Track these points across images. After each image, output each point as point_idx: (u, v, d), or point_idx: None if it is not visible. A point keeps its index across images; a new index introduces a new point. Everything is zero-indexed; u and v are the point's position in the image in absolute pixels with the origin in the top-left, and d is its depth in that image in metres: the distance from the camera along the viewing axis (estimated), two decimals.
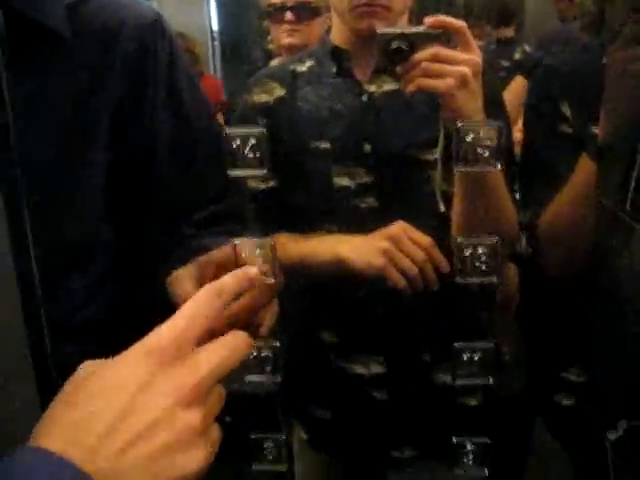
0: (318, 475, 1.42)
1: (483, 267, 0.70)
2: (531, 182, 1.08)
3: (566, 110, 1.12)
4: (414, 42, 0.91)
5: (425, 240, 1.06)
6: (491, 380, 0.74)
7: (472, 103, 0.95)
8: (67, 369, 0.54)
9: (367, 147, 1.17)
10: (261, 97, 1.24)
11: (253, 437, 0.79)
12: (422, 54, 0.91)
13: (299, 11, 1.83)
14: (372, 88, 1.18)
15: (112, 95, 0.93)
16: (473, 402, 1.25)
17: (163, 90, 0.97)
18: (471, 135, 0.68)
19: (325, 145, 1.19)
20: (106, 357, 0.52)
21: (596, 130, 1.01)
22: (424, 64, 0.91)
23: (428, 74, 0.92)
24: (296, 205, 1.25)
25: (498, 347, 1.67)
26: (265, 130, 0.71)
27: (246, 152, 0.71)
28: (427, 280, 1.05)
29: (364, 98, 1.19)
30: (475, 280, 0.71)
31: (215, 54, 3.82)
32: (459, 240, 0.69)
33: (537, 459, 1.41)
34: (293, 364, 1.38)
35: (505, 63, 2.49)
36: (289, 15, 1.83)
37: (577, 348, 1.20)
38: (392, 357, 1.23)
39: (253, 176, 0.71)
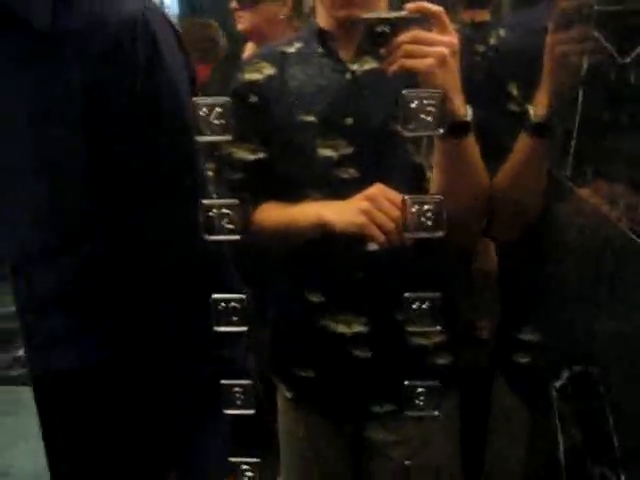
0: (301, 430, 1.51)
1: (429, 222, 0.78)
2: (484, 154, 1.16)
3: (513, 90, 1.21)
4: (396, 26, 1.00)
5: (400, 199, 1.14)
6: (438, 327, 0.81)
7: (450, 81, 1.04)
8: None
9: (349, 120, 1.26)
10: (252, 75, 1.34)
11: (224, 383, 0.86)
12: (403, 37, 1.00)
13: None
14: (355, 67, 1.27)
15: (86, 86, 0.95)
16: (442, 361, 1.34)
17: (140, 90, 0.98)
18: (415, 102, 0.75)
19: (311, 118, 1.28)
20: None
21: (531, 109, 1.10)
22: (405, 46, 1.00)
23: (409, 55, 1.01)
24: (283, 175, 1.34)
25: (473, 323, 1.77)
26: (229, 100, 0.78)
27: (212, 119, 0.78)
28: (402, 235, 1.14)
29: (347, 76, 1.28)
30: (423, 234, 0.78)
31: None
32: (406, 198, 0.76)
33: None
34: (278, 325, 1.47)
35: (480, 48, 2.54)
36: (234, 3, 1.91)
37: (530, 308, 1.28)
38: (373, 317, 1.31)
39: (217, 141, 0.77)
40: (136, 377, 1.08)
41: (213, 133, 0.78)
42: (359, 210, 1.16)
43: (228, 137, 0.78)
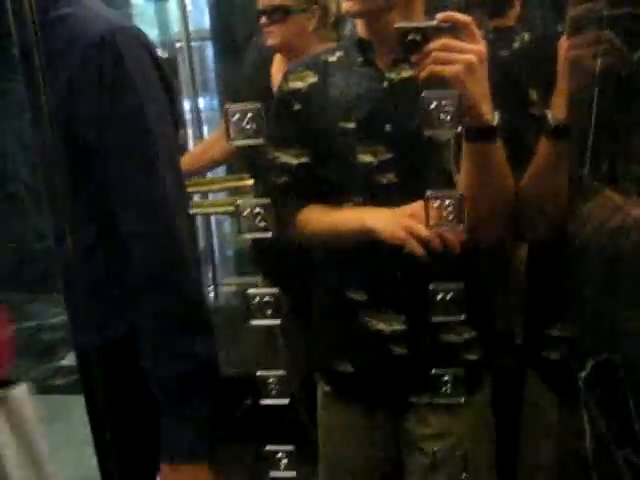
0: (339, 423, 1.55)
1: (450, 217, 0.82)
2: (510, 158, 1.19)
3: (533, 94, 1.25)
4: (427, 34, 1.05)
5: None
6: (462, 317, 0.86)
7: (478, 88, 1.09)
8: None
9: (387, 127, 1.32)
10: (296, 84, 1.40)
11: (258, 374, 0.91)
12: (433, 44, 1.06)
13: (270, 14, 1.95)
14: (392, 75, 1.33)
15: (63, 100, 1.00)
16: (472, 357, 1.38)
17: (107, 110, 1.02)
18: (434, 102, 0.80)
19: (351, 125, 1.34)
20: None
21: (548, 113, 1.14)
22: (435, 53, 1.06)
23: (438, 62, 1.06)
24: (325, 179, 1.40)
25: (511, 329, 1.79)
26: (260, 106, 0.83)
27: (244, 125, 0.83)
28: (446, 245, 1.19)
29: (385, 84, 1.33)
30: (444, 229, 0.83)
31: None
32: (428, 194, 0.81)
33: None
34: (319, 322, 1.53)
35: (504, 52, 2.57)
36: (263, 19, 1.96)
37: (558, 306, 1.31)
38: (410, 316, 1.37)
39: (251, 145, 0.83)
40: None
41: (246, 137, 0.84)
42: (401, 224, 1.21)
43: (260, 141, 0.84)
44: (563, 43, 1.09)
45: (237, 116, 0.83)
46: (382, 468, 1.59)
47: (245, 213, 0.85)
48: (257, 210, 0.84)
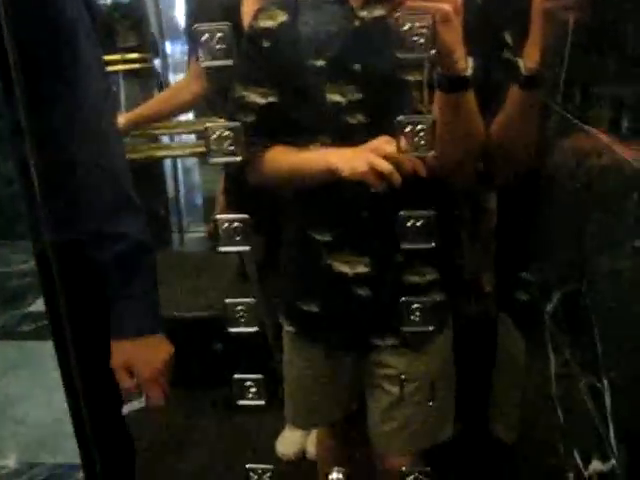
0: (302, 362, 1.56)
1: (422, 142, 0.81)
2: (482, 100, 1.19)
3: (508, 39, 1.24)
4: None
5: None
6: (432, 244, 0.86)
7: (453, 38, 1.07)
8: None
9: (357, 66, 1.29)
10: (266, 22, 1.36)
11: (228, 302, 0.91)
12: None
13: None
14: (363, 13, 1.29)
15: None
16: (436, 298, 1.39)
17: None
18: (408, 24, 0.78)
19: (320, 63, 1.31)
20: None
21: (520, 62, 1.13)
22: (410, 2, 1.02)
23: (414, 9, 1.02)
24: (293, 119, 1.37)
25: (478, 279, 1.81)
26: (229, 24, 0.81)
27: (213, 45, 0.81)
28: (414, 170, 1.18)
29: (356, 23, 1.30)
30: (415, 153, 0.82)
31: None
32: (400, 118, 0.80)
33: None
34: (287, 264, 1.52)
35: None
36: None
37: (528, 247, 1.33)
38: (374, 258, 1.36)
39: (220, 66, 0.81)
40: None
41: (215, 58, 0.82)
42: (364, 160, 1.20)
43: (229, 62, 0.82)
44: None
45: (206, 36, 0.81)
46: (345, 407, 1.61)
47: (214, 137, 0.83)
48: (226, 133, 0.83)
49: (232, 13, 2.11)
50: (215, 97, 2.31)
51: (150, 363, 1.23)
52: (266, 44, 1.36)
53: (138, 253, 1.19)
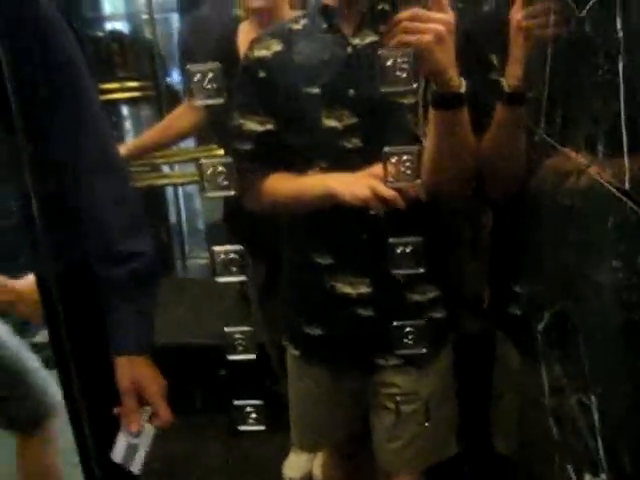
0: (308, 385, 1.59)
1: (408, 172, 0.85)
2: (473, 120, 1.22)
3: (495, 60, 1.28)
4: (396, 4, 1.06)
5: None
6: (421, 270, 0.89)
7: (447, 56, 1.11)
8: None
9: (351, 92, 1.33)
10: (261, 52, 1.41)
11: (227, 330, 0.94)
12: (403, 14, 1.07)
13: None
14: (356, 41, 1.34)
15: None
16: (438, 315, 1.42)
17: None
18: (390, 60, 0.82)
19: (315, 90, 1.36)
20: None
21: (503, 80, 1.18)
22: (404, 23, 1.07)
23: (408, 31, 1.07)
24: (290, 146, 1.42)
25: (479, 295, 1.84)
26: (220, 65, 0.85)
27: (205, 85, 0.85)
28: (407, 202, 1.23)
29: (349, 50, 1.35)
30: (401, 184, 0.86)
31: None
32: (386, 150, 0.83)
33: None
34: (289, 288, 1.56)
35: (469, 19, 2.60)
36: None
37: (520, 263, 1.35)
38: (375, 278, 1.40)
39: (213, 104, 0.85)
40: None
41: (207, 97, 0.86)
42: (365, 185, 1.24)
43: (221, 100, 0.85)
44: (515, 12, 1.12)
45: (198, 76, 0.85)
46: (350, 427, 1.63)
47: (208, 172, 0.87)
48: (220, 169, 0.86)
49: (228, 44, 2.16)
50: (212, 125, 2.36)
51: (157, 378, 1.25)
52: (262, 74, 1.40)
53: (152, 270, 1.24)
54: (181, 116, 2.43)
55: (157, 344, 1.30)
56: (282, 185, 1.43)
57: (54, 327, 1.18)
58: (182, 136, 2.55)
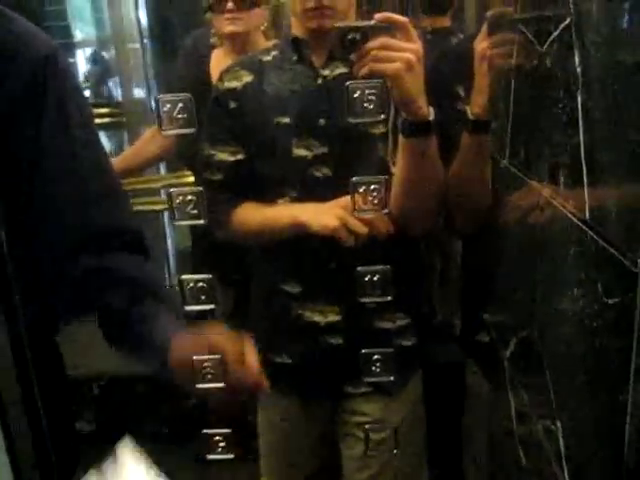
0: (277, 415, 1.58)
1: (375, 201, 0.86)
2: (441, 149, 1.25)
3: (460, 90, 1.31)
4: (366, 33, 1.08)
5: None
6: (389, 297, 0.90)
7: (416, 84, 1.13)
8: None
9: (322, 121, 1.35)
10: (231, 83, 1.42)
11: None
12: (373, 43, 1.09)
13: (240, 0, 1.97)
14: (326, 72, 1.36)
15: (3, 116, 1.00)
16: (407, 342, 1.42)
17: (52, 125, 1.03)
18: (358, 92, 0.83)
19: (286, 120, 1.37)
20: None
21: (468, 108, 1.20)
22: (374, 52, 1.10)
23: (378, 60, 1.09)
24: (261, 175, 1.43)
25: (449, 322, 1.85)
26: (190, 96, 0.86)
27: (175, 115, 0.86)
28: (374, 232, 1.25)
29: (319, 81, 1.37)
30: (369, 214, 0.87)
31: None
32: (353, 180, 0.85)
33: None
34: (258, 316, 1.55)
35: (435, 53, 2.63)
36: (230, 4, 1.97)
37: (489, 293, 1.37)
38: (344, 306, 1.41)
39: (183, 134, 0.85)
40: None
41: (178, 127, 0.86)
42: (334, 215, 1.25)
43: (191, 130, 0.86)
44: (479, 43, 1.15)
45: (168, 106, 0.85)
46: (320, 458, 1.62)
47: (178, 201, 0.87)
48: (189, 197, 0.87)
49: (200, 71, 2.17)
50: (181, 152, 2.36)
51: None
52: (232, 104, 1.41)
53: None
54: (150, 141, 2.42)
55: (122, 372, 1.26)
56: (252, 215, 1.44)
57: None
58: (152, 162, 2.54)
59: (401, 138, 1.22)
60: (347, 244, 1.25)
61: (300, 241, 1.35)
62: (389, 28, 1.10)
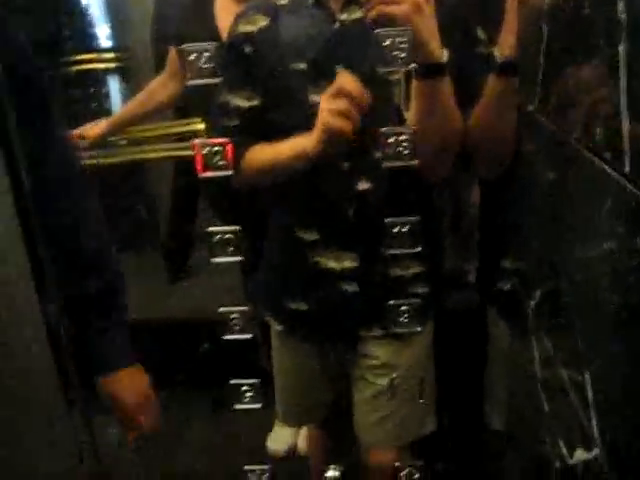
0: (290, 360, 1.60)
1: (405, 152, 0.85)
2: (459, 95, 1.22)
3: (481, 34, 1.27)
4: None
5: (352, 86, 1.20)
6: (419, 249, 0.89)
7: (427, 26, 1.10)
8: None
9: (338, 67, 1.32)
10: (246, 27, 1.39)
11: (221, 310, 0.94)
12: None
13: None
14: (343, 16, 1.32)
15: None
16: (420, 290, 1.42)
17: None
18: (388, 40, 0.81)
19: (302, 66, 1.34)
20: None
21: (495, 49, 1.17)
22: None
23: (386, 2, 1.06)
24: (276, 121, 1.40)
25: (460, 269, 1.85)
26: (216, 44, 0.84)
27: (201, 64, 0.84)
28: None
29: (336, 25, 1.33)
30: (399, 163, 0.86)
31: None
32: (383, 130, 0.83)
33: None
34: (272, 262, 1.55)
35: None
36: None
37: (509, 239, 1.37)
38: (361, 253, 1.40)
39: (208, 84, 0.84)
40: None
41: (203, 77, 0.84)
42: (320, 118, 1.22)
43: (216, 80, 0.84)
44: None
45: (194, 55, 0.84)
46: (334, 401, 1.65)
47: (204, 152, 0.86)
48: (216, 149, 0.85)
49: (205, 16, 2.12)
50: (194, 98, 2.32)
51: (138, 389, 1.26)
52: (247, 49, 1.38)
53: (118, 286, 1.24)
54: (159, 88, 2.39)
55: (142, 317, 1.30)
56: (258, 154, 1.43)
57: None
58: (160, 109, 2.50)
59: (414, 81, 1.19)
60: (345, 131, 1.19)
61: (316, 186, 1.34)
62: None
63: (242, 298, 2.23)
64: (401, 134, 0.84)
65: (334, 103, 1.20)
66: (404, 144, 0.85)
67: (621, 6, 0.70)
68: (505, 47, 1.17)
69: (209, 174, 0.86)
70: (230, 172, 0.86)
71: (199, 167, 0.86)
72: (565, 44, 0.98)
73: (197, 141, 0.87)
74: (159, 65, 2.43)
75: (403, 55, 0.82)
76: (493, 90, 1.22)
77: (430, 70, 1.15)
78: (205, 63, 0.84)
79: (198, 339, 2.27)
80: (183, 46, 0.85)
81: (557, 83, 1.04)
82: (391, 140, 0.84)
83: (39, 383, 1.09)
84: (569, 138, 0.91)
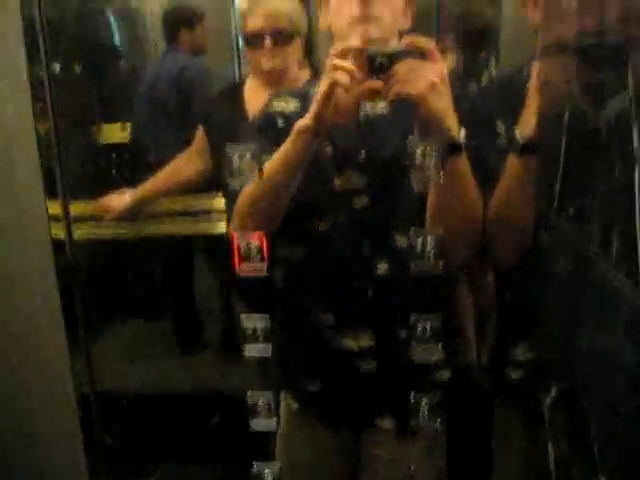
0: (303, 439, 1.58)
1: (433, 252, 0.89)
2: (478, 182, 1.26)
3: (500, 127, 1.33)
4: (393, 58, 1.13)
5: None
6: (440, 345, 0.92)
7: (442, 104, 1.16)
8: None
9: (362, 154, 1.38)
10: (280, 104, 1.45)
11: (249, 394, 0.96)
12: (398, 67, 1.13)
13: (276, 37, 2.00)
14: (367, 108, 1.39)
15: None
16: (442, 377, 1.43)
17: None
18: (420, 148, 0.87)
19: (328, 150, 1.39)
20: None
21: (517, 130, 1.22)
22: (399, 74, 1.13)
23: (403, 83, 1.13)
24: (299, 203, 1.44)
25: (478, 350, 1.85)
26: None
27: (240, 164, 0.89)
28: None
29: (361, 116, 1.40)
30: (428, 265, 0.90)
31: None
32: (411, 233, 0.88)
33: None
34: (287, 341, 1.56)
35: (473, 86, 2.61)
36: (268, 41, 2.00)
37: (524, 329, 1.38)
38: (379, 333, 1.40)
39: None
40: None
41: (241, 175, 0.90)
42: (328, 79, 1.21)
43: (255, 178, 0.90)
44: (535, 65, 1.18)
45: (236, 157, 0.89)
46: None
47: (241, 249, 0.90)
48: (254, 245, 0.90)
49: (233, 98, 2.20)
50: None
51: None
52: (280, 123, 1.44)
53: None
54: (185, 164, 2.42)
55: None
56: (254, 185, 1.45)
57: None
58: (187, 185, 2.51)
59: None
60: (344, 87, 1.19)
61: (334, 271, 1.37)
62: (416, 52, 1.13)
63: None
64: (428, 235, 0.89)
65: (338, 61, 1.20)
66: (432, 243, 0.89)
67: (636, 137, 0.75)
68: (526, 127, 1.22)
69: (244, 273, 0.90)
70: (265, 273, 0.89)
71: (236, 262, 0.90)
72: (584, 158, 1.03)
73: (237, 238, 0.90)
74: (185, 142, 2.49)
75: (433, 162, 0.87)
76: (514, 171, 1.26)
77: (447, 148, 1.21)
78: (245, 163, 0.89)
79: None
80: (227, 147, 0.90)
81: (574, 195, 1.08)
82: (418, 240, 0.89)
83: None
84: (587, 248, 0.95)
